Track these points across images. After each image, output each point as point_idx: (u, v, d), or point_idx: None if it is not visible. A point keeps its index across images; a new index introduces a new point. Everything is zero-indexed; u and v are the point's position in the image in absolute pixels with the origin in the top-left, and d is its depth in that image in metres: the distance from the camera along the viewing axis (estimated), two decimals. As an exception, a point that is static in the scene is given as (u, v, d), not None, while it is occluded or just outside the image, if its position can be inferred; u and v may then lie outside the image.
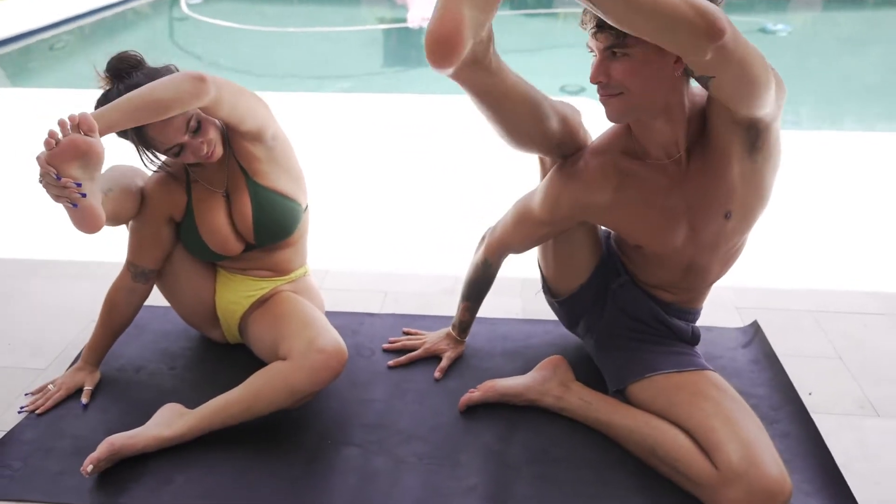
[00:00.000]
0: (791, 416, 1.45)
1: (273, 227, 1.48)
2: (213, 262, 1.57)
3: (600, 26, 1.07)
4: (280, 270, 1.58)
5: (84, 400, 1.46)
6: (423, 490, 1.27)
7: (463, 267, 1.98)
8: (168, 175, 1.48)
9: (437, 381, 1.56)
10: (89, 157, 1.13)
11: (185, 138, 1.32)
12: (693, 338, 1.46)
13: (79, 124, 1.12)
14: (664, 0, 0.92)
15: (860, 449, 1.38)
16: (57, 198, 1.15)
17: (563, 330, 1.70)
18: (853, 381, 1.57)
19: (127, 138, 1.36)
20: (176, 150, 1.34)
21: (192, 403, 1.40)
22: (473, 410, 1.47)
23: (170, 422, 1.36)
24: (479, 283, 1.54)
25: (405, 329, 1.73)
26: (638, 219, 1.29)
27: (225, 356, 1.65)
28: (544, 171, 1.38)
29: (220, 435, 1.35)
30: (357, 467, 1.32)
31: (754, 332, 1.71)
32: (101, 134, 1.16)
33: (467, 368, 1.60)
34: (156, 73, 1.31)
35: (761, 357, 1.63)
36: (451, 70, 0.97)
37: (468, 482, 1.29)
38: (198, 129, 1.33)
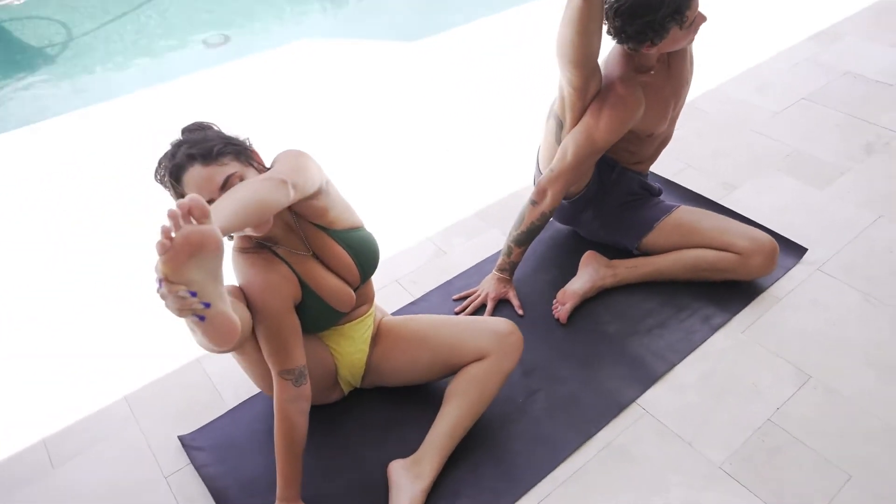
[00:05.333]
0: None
1: (371, 261, 1.49)
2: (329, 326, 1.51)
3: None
4: (372, 297, 1.61)
5: None
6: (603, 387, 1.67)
7: (436, 228, 2.21)
8: (262, 259, 1.36)
9: (522, 317, 1.85)
10: (208, 252, 0.92)
11: (218, 196, 1.23)
12: (658, 191, 2.03)
13: (190, 210, 0.91)
14: None
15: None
16: (179, 312, 0.94)
17: (552, 229, 2.12)
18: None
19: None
20: None
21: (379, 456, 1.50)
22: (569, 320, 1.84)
23: (413, 475, 1.42)
24: (538, 231, 1.83)
25: (456, 296, 1.93)
26: (655, 113, 1.75)
27: (352, 407, 1.65)
28: (575, 107, 1.69)
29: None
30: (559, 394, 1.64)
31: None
32: None
33: (530, 296, 1.92)
34: (232, 140, 1.30)
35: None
36: None
37: (621, 370, 1.73)
38: (224, 187, 1.25)
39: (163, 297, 0.90)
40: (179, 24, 4.95)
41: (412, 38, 3.62)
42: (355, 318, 1.56)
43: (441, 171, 2.50)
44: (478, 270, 2.02)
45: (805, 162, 2.42)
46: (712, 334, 1.78)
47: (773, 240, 1.84)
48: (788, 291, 1.90)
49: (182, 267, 0.89)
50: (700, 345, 1.76)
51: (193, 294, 0.91)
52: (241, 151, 1.28)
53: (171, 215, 0.88)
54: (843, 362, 1.70)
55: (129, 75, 4.34)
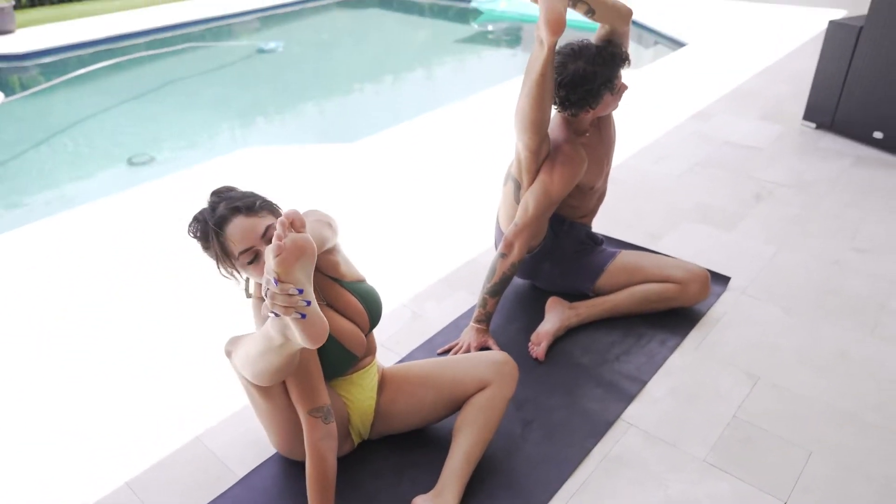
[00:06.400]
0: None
1: (378, 308, 1.64)
2: (340, 374, 1.61)
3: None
4: (374, 349, 1.72)
5: None
6: (586, 410, 1.85)
7: (409, 295, 2.37)
8: None
9: (504, 360, 2.02)
10: (308, 256, 1.07)
11: (262, 245, 1.37)
12: (601, 240, 2.32)
13: (292, 222, 1.05)
14: None
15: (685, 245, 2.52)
16: (286, 310, 1.05)
17: (514, 286, 2.34)
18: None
19: (209, 249, 1.39)
20: (250, 258, 1.37)
21: (395, 500, 1.58)
22: (547, 358, 2.03)
23: (438, 504, 1.51)
24: (509, 281, 2.04)
25: (440, 350, 2.07)
26: (593, 169, 2.07)
27: (362, 458, 1.71)
28: (531, 168, 1.98)
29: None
30: (549, 421, 1.80)
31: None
32: None
33: (506, 343, 2.10)
34: (265, 198, 1.44)
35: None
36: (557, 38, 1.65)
37: (601, 393, 1.92)
38: (264, 235, 1.39)
39: (272, 296, 1.03)
40: (102, 148, 5.04)
41: (347, 140, 3.91)
42: (362, 367, 1.67)
43: (406, 247, 2.70)
44: (454, 326, 2.18)
45: (711, 212, 2.83)
46: (671, 354, 2.03)
47: (704, 269, 2.15)
48: (723, 313, 2.20)
49: (291, 267, 1.03)
50: (662, 364, 1.99)
51: (300, 292, 1.04)
52: (274, 208, 1.44)
53: (281, 223, 1.03)
54: (781, 363, 1.98)
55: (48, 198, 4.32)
